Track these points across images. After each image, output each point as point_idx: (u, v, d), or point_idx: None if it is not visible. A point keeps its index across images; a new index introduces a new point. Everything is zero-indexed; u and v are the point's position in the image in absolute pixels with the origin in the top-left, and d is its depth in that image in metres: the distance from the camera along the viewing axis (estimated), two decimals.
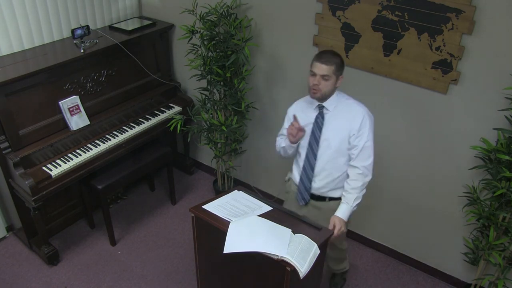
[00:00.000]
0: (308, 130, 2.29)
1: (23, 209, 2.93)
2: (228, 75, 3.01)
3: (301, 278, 1.84)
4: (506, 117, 2.30)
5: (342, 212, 2.23)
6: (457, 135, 2.56)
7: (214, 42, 2.94)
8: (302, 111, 2.31)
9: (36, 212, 2.77)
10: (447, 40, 2.36)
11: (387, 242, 3.20)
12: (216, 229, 2.04)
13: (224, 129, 3.05)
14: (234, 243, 1.92)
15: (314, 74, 2.16)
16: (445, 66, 2.43)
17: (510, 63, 2.24)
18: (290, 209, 2.36)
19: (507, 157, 2.23)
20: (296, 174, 2.42)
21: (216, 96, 3.24)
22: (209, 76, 3.05)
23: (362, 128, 2.20)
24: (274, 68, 3.12)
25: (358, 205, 2.25)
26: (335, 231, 2.16)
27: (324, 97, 2.22)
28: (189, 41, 3.07)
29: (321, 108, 2.27)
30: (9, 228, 3.29)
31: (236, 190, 2.32)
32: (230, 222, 2.01)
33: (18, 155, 2.69)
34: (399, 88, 2.62)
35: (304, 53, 2.90)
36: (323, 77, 2.14)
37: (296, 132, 2.24)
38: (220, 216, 2.07)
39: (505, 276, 2.52)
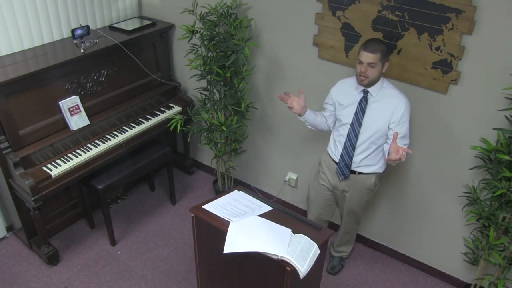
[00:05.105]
0: (351, 111, 2.46)
1: (23, 209, 2.93)
2: (228, 75, 3.01)
3: (301, 278, 1.84)
4: (506, 117, 2.30)
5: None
6: (457, 135, 2.56)
7: (214, 42, 2.94)
8: (345, 91, 2.51)
9: (36, 212, 2.77)
10: (447, 40, 2.36)
11: (387, 242, 3.20)
12: (216, 229, 2.04)
13: (224, 129, 3.05)
14: (234, 243, 1.92)
15: (361, 62, 2.31)
16: (445, 66, 2.43)
17: (510, 63, 2.24)
18: (320, 179, 2.72)
19: (507, 157, 2.23)
20: (333, 149, 2.61)
21: (216, 96, 3.24)
22: (209, 76, 3.05)
23: (404, 117, 2.36)
24: (274, 68, 3.12)
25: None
26: (401, 152, 2.18)
27: (371, 83, 2.38)
28: (189, 41, 3.07)
29: (365, 93, 2.42)
30: (9, 228, 3.29)
31: (236, 190, 2.32)
32: (230, 222, 2.01)
33: (18, 155, 2.69)
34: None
35: (304, 53, 2.90)
36: (370, 64, 2.29)
37: (288, 100, 2.52)
38: (220, 216, 2.07)
39: (505, 276, 2.52)
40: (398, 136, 2.32)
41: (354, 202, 2.68)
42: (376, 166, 2.54)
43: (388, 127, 2.39)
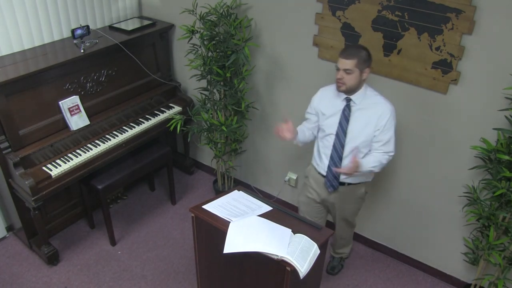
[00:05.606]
0: (335, 120, 2.38)
1: (23, 209, 2.93)
2: (228, 75, 3.01)
3: (301, 278, 1.84)
4: (506, 117, 2.30)
5: (366, 161, 2.33)
6: (457, 135, 2.56)
7: (214, 42, 2.94)
8: (328, 100, 2.42)
9: (36, 212, 2.77)
10: (447, 40, 2.36)
11: (387, 242, 3.20)
12: (216, 229, 2.04)
13: (224, 129, 3.05)
14: (234, 243, 1.92)
15: (338, 69, 2.25)
16: (445, 66, 2.43)
17: (510, 63, 2.24)
18: (308, 193, 2.62)
19: (507, 157, 2.23)
20: (318, 162, 2.52)
21: (216, 96, 3.24)
22: (209, 76, 3.05)
23: (388, 124, 2.31)
24: (274, 68, 3.12)
25: (374, 168, 2.36)
26: (351, 164, 2.25)
27: (350, 90, 2.29)
28: (189, 41, 3.07)
29: (348, 100, 2.34)
30: (9, 228, 3.29)
31: (236, 190, 2.32)
32: (230, 222, 2.01)
33: (18, 155, 2.69)
34: (399, 88, 2.62)
35: (304, 53, 2.90)
36: (346, 71, 2.22)
37: (282, 132, 2.34)
38: (220, 216, 2.07)
39: (505, 276, 2.52)
40: (381, 143, 2.32)
41: (346, 212, 2.65)
42: (365, 176, 2.48)
43: (374, 135, 2.34)
